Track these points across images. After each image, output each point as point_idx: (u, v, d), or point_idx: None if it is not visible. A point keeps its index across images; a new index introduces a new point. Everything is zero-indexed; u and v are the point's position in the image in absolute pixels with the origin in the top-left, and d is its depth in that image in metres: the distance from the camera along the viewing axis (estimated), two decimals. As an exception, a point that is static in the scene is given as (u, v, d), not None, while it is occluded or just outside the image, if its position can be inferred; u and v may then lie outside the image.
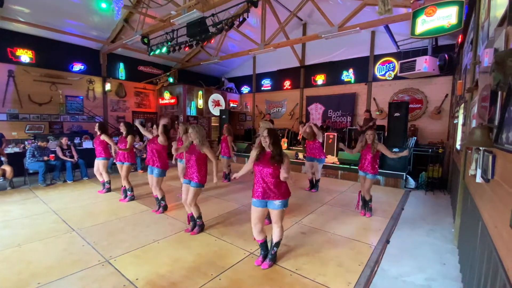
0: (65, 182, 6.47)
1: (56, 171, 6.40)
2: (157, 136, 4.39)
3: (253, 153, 2.82)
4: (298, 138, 9.22)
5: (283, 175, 2.58)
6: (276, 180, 2.68)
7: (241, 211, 4.65)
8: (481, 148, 1.97)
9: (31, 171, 6.22)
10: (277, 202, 2.70)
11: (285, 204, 2.76)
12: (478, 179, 2.01)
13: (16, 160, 6.23)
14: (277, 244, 2.87)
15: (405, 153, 4.28)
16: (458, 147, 4.58)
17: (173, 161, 5.40)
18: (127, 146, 4.90)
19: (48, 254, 3.03)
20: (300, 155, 8.66)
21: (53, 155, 6.40)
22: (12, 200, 5.03)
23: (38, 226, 3.81)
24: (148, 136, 4.69)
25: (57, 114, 8.87)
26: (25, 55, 8.16)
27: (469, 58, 3.73)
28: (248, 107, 13.55)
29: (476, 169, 2.13)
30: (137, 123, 4.68)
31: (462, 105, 4.22)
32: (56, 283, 2.50)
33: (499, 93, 1.60)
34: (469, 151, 3.01)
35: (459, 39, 5.44)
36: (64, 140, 6.73)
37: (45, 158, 6.23)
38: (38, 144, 6.32)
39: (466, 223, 2.97)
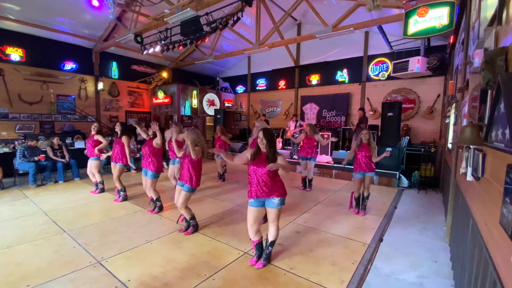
0: (56, 183, 6.36)
1: (47, 171, 6.28)
2: (151, 138, 4.34)
3: (247, 153, 2.80)
4: (288, 135, 9.18)
5: (275, 166, 2.51)
6: (271, 179, 2.69)
7: (236, 211, 4.64)
8: (471, 146, 2.00)
9: (21, 172, 6.09)
10: (276, 200, 2.71)
11: (283, 202, 2.77)
12: (469, 177, 2.04)
13: (5, 161, 6.10)
14: (272, 243, 2.87)
15: (386, 153, 4.29)
16: (449, 146, 4.64)
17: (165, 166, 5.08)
18: (125, 147, 4.86)
19: (38, 256, 2.97)
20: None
21: (44, 155, 6.29)
22: (1, 201, 4.93)
23: (28, 228, 3.73)
24: (143, 135, 4.61)
25: (48, 113, 8.71)
26: (15, 54, 7.99)
27: (460, 59, 3.78)
28: (243, 106, 13.53)
29: (466, 167, 2.16)
30: (133, 123, 4.59)
31: (454, 105, 4.27)
32: (46, 285, 2.45)
33: (489, 92, 1.62)
34: (460, 150, 3.05)
35: (451, 40, 5.51)
36: (55, 140, 6.62)
37: (36, 158, 6.11)
38: (28, 143, 6.20)
39: (457, 221, 3.01)
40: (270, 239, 2.85)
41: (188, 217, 3.62)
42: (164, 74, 11.47)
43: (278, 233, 2.87)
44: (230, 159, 2.94)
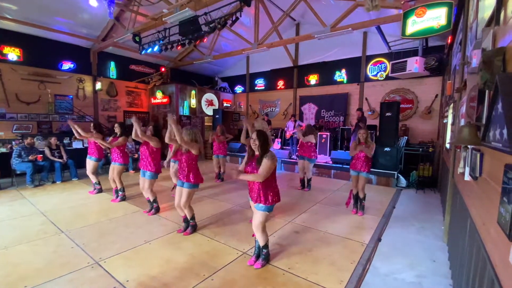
0: (54, 183, 6.33)
1: (45, 171, 6.25)
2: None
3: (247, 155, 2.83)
4: (287, 136, 9.23)
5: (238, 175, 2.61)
6: (260, 183, 2.65)
7: (235, 211, 4.63)
8: (469, 146, 2.00)
9: (18, 172, 6.06)
10: (258, 205, 2.71)
11: (266, 209, 2.69)
12: (467, 177, 2.05)
13: (2, 161, 6.07)
14: (264, 247, 2.85)
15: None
16: (447, 146, 4.66)
17: (165, 164, 4.93)
18: (115, 143, 4.86)
19: (36, 256, 2.96)
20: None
21: (41, 155, 6.25)
22: (-2, 202, 4.90)
23: (25, 228, 3.71)
24: (138, 132, 4.55)
25: (45, 113, 8.65)
26: (12, 53, 7.93)
27: (458, 59, 3.80)
28: (242, 106, 13.52)
29: (464, 167, 2.17)
30: (133, 120, 4.48)
31: (451, 105, 4.29)
32: (44, 285, 2.44)
33: (487, 92, 1.63)
34: (458, 150, 3.06)
35: (449, 40, 5.54)
36: (53, 140, 6.59)
37: (31, 157, 6.05)
38: (25, 143, 6.16)
39: (455, 221, 3.03)
40: (260, 244, 2.84)
41: (189, 216, 3.63)
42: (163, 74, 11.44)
43: (264, 238, 2.81)
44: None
